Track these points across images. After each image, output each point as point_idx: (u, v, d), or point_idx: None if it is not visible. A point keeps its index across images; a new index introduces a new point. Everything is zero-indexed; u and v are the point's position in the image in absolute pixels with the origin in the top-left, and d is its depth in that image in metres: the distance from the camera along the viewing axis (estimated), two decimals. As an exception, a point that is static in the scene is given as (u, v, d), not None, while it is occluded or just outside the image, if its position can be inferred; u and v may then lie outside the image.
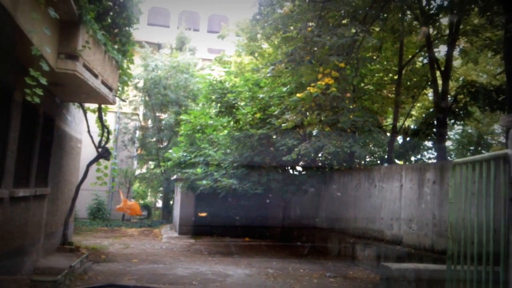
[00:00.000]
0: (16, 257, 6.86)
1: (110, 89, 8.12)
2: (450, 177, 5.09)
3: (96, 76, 7.12)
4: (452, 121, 13.28)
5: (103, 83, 7.58)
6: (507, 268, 3.80)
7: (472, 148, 17.60)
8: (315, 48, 9.86)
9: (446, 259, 5.00)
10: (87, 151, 11.83)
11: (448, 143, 18.13)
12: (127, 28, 8.49)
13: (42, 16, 5.14)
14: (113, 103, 8.97)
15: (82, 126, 10.92)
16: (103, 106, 9.98)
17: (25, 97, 5.22)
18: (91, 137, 10.34)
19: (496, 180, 4.07)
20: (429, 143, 15.23)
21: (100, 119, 10.12)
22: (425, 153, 16.28)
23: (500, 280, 3.87)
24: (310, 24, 9.92)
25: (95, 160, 10.29)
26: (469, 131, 18.20)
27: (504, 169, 4.00)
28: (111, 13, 7.98)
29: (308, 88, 9.42)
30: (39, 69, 5.10)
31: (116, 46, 8.26)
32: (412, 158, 15.76)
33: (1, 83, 5.90)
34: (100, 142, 10.37)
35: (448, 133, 17.37)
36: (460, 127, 17.34)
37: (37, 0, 4.92)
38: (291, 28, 11.24)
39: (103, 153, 10.19)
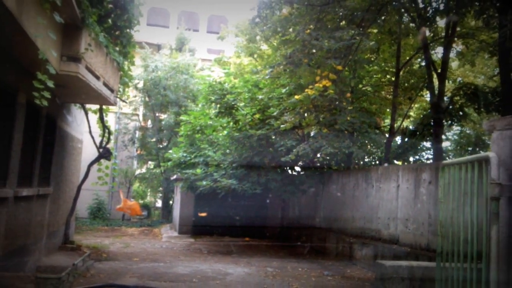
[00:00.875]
0: (19, 256, 6.99)
1: (112, 90, 8.25)
2: (439, 177, 5.25)
3: (98, 78, 7.25)
4: (449, 122, 13.40)
5: (105, 84, 7.72)
6: (489, 264, 3.96)
7: (470, 148, 17.70)
8: (313, 51, 9.99)
9: (436, 256, 5.15)
10: (88, 151, 11.96)
11: (447, 144, 18.28)
12: (128, 30, 8.63)
13: (47, 20, 5.27)
14: (114, 104, 9.10)
15: (83, 127, 11.03)
16: (104, 107, 10.13)
17: (28, 98, 5.35)
18: (92, 137, 10.47)
19: (479, 180, 4.26)
20: (427, 144, 15.36)
21: (102, 120, 10.25)
22: (423, 153, 16.42)
23: (482, 277, 4.03)
24: (309, 27, 10.05)
25: (97, 160, 10.42)
26: (467, 132, 18.32)
27: (486, 170, 4.20)
28: (112, 16, 8.11)
29: (306, 90, 9.56)
30: (45, 72, 5.23)
31: (117, 48, 8.40)
32: (411, 159, 15.89)
33: (5, 85, 6.04)
34: (101, 142, 10.51)
35: (447, 134, 17.54)
36: (459, 128, 17.45)
37: (42, 5, 5.05)
38: (290, 30, 11.36)
39: (104, 153, 10.33)
